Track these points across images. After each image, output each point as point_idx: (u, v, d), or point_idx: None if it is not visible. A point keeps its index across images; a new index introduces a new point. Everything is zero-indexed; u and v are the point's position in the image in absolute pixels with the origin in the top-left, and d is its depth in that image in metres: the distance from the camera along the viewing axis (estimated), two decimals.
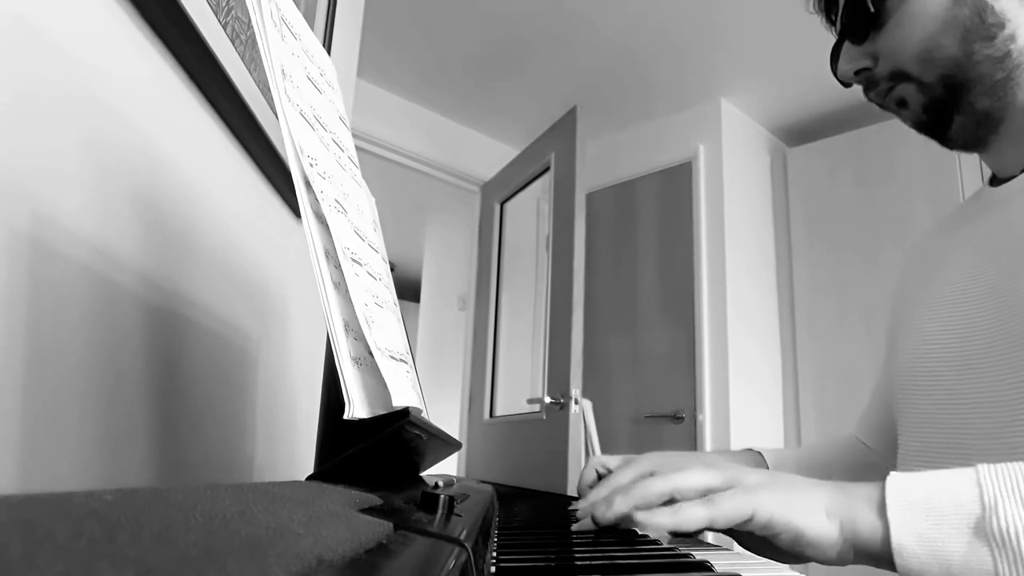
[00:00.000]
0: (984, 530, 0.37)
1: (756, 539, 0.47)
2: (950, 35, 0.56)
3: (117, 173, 0.47)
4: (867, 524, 0.41)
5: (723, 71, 2.73)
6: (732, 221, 2.84)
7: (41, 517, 0.11)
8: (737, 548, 0.53)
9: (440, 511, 0.33)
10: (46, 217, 0.39)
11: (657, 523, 0.45)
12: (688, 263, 2.86)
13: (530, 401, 2.24)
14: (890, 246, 2.62)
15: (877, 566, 0.42)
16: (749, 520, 0.44)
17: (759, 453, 0.72)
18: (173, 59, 0.55)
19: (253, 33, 0.69)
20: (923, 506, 0.40)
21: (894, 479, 0.42)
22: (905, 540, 0.39)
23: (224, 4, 0.61)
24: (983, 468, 0.40)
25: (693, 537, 0.58)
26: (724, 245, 2.78)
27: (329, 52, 1.02)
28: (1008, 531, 0.36)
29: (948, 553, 0.38)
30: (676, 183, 2.98)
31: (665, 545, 0.53)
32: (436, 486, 0.44)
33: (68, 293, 0.41)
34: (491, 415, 2.72)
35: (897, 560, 0.39)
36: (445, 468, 3.66)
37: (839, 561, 0.43)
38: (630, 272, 3.06)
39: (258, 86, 0.71)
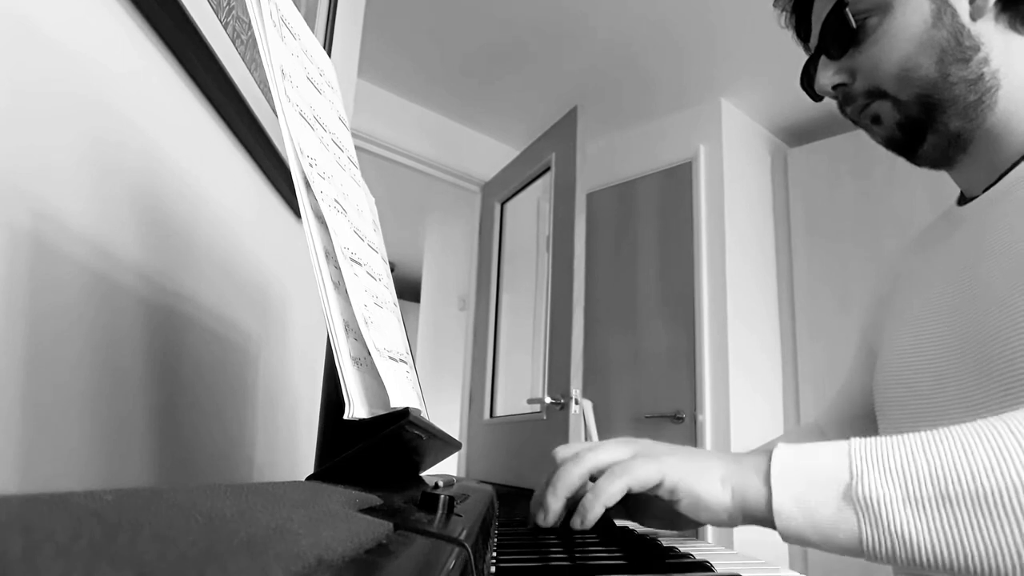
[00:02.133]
0: (850, 495, 0.42)
1: (656, 509, 0.53)
2: (927, 55, 0.57)
3: (117, 172, 0.47)
4: (754, 490, 0.46)
5: (723, 71, 2.73)
6: (732, 221, 2.84)
7: (41, 517, 0.11)
8: (737, 548, 0.54)
9: (440, 511, 0.33)
10: (46, 216, 0.39)
11: (591, 517, 0.49)
12: (688, 263, 2.86)
13: (530, 401, 2.24)
14: (890, 246, 2.62)
15: (762, 526, 0.46)
16: (659, 485, 0.48)
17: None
18: (174, 59, 0.55)
19: (254, 33, 0.69)
20: (801, 473, 0.44)
21: (779, 450, 0.46)
22: (784, 504, 0.44)
23: (225, 4, 0.61)
24: (855, 441, 0.44)
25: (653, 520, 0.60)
26: (724, 245, 2.78)
27: (329, 52, 1.02)
28: (870, 497, 0.41)
29: (820, 516, 0.43)
30: (676, 183, 2.98)
31: (665, 545, 0.53)
32: (436, 486, 0.44)
33: (68, 292, 0.41)
34: (491, 415, 2.72)
35: (777, 521, 0.44)
36: (445, 468, 3.66)
37: (729, 523, 0.48)
38: (630, 272, 3.06)
39: (259, 86, 0.71)
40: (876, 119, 0.62)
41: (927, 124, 0.59)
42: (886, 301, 0.72)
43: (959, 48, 0.57)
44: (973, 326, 0.54)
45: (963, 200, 0.65)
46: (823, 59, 0.63)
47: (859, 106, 0.63)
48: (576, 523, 0.49)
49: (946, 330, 0.57)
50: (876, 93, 0.60)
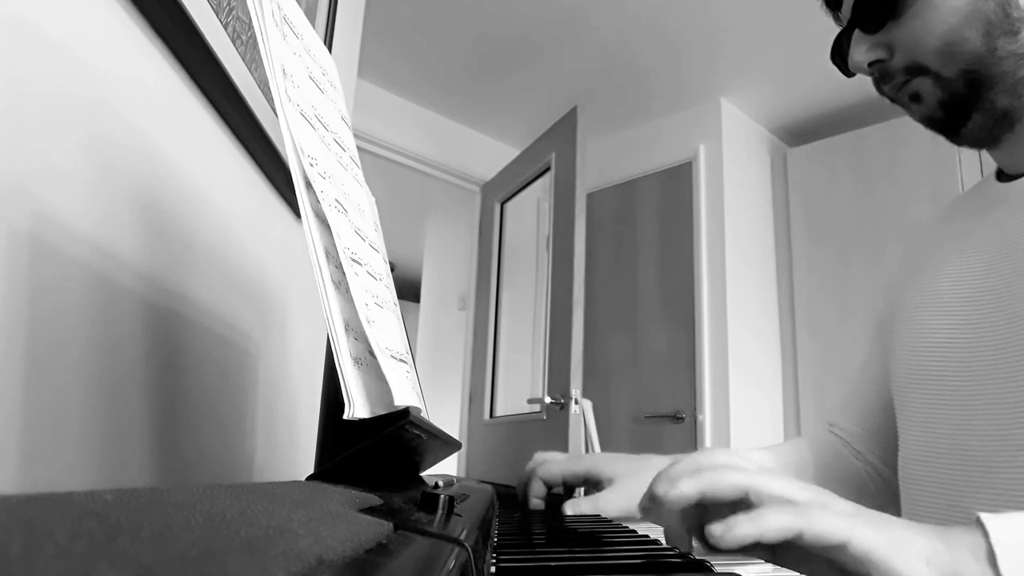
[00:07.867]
0: None
1: (826, 572, 0.41)
2: (973, 29, 0.53)
3: (118, 173, 0.47)
4: None
5: (723, 71, 2.73)
6: (732, 221, 2.84)
7: (41, 517, 0.11)
8: None
9: (440, 511, 0.33)
10: (46, 217, 0.39)
11: (738, 534, 0.38)
12: (688, 263, 2.86)
13: (530, 401, 2.24)
14: (890, 246, 2.62)
15: None
16: (842, 548, 0.38)
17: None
18: (174, 59, 0.55)
19: (254, 33, 0.69)
20: None
21: (992, 524, 0.38)
22: None
23: (225, 4, 0.61)
24: None
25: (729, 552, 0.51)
26: (724, 245, 2.78)
27: (330, 52, 1.02)
28: None
29: None
30: (676, 183, 2.98)
31: (665, 545, 0.53)
32: (436, 486, 0.44)
33: (68, 293, 0.41)
34: (491, 415, 2.71)
35: None
36: (445, 468, 3.65)
37: None
38: (630, 272, 3.06)
39: (259, 86, 0.71)
40: (916, 97, 0.58)
41: (973, 102, 0.55)
42: (906, 280, 0.67)
43: (1007, 20, 0.53)
44: (1020, 312, 0.50)
45: (1002, 176, 0.61)
46: (857, 33, 0.59)
47: (897, 83, 0.58)
48: (716, 531, 0.39)
49: (984, 316, 0.54)
50: (916, 69, 0.56)
